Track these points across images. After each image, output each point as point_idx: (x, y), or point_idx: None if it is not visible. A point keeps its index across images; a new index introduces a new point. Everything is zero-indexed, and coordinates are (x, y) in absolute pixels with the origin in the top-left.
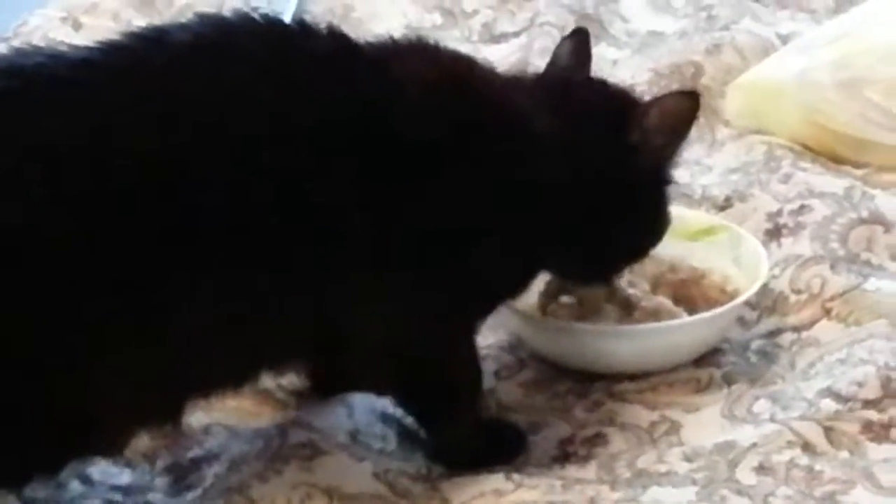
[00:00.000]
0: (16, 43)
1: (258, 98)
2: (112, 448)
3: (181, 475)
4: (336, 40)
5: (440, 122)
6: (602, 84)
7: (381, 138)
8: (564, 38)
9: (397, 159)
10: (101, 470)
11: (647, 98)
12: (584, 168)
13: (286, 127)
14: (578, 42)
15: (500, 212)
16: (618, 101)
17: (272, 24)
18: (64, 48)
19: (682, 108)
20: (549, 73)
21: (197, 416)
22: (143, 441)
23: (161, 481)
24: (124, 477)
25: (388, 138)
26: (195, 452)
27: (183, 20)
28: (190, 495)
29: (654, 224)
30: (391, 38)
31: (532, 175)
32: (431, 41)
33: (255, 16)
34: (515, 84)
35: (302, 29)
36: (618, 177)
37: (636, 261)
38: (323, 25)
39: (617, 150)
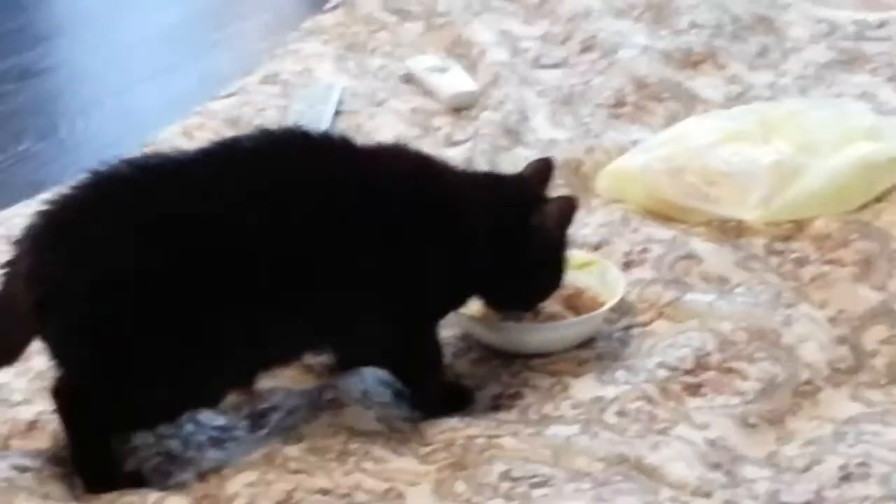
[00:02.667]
0: (149, 149)
1: (288, 186)
2: (214, 402)
3: (256, 420)
4: (345, 144)
5: (409, 202)
6: (520, 184)
7: (370, 212)
8: (535, 161)
9: (383, 229)
10: (205, 416)
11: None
12: (499, 240)
13: (308, 207)
14: (542, 166)
15: (443, 267)
16: (526, 198)
17: (302, 133)
18: (174, 152)
19: (567, 208)
20: (490, 174)
21: (265, 382)
22: (231, 398)
23: (243, 424)
24: (220, 420)
25: (376, 212)
26: (264, 405)
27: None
28: (261, 433)
29: (549, 278)
30: (379, 143)
31: (466, 245)
32: (409, 146)
33: (294, 129)
34: (464, 179)
35: (323, 136)
36: (521, 247)
37: (543, 299)
38: (337, 135)
39: (522, 231)
